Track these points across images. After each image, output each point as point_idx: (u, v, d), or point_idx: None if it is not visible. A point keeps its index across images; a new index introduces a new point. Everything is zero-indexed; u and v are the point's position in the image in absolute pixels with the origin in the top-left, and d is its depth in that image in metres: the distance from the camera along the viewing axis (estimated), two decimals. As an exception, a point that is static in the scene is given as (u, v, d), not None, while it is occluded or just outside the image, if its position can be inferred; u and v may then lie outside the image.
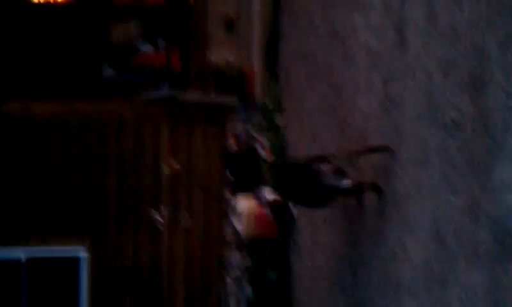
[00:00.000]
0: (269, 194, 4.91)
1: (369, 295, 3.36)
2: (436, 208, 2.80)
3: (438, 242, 2.76)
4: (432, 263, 2.79)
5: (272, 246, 5.28)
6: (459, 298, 2.56)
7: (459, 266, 2.59)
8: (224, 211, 6.03)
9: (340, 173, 3.31)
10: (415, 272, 2.91)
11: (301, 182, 3.37)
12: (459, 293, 2.57)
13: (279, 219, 5.01)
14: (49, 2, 6.83)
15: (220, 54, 6.38)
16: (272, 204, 4.86)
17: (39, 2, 6.78)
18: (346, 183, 3.28)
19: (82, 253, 6.03)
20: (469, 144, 2.57)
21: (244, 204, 5.26)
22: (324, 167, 3.33)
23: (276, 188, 4.62)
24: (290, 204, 4.79)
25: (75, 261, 6.13)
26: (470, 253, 2.53)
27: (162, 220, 5.96)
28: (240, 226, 5.24)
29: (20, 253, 5.98)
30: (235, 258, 5.76)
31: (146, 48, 7.70)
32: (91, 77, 6.91)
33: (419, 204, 2.93)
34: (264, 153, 5.20)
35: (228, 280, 5.81)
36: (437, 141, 2.79)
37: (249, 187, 5.56)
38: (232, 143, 5.94)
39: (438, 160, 2.78)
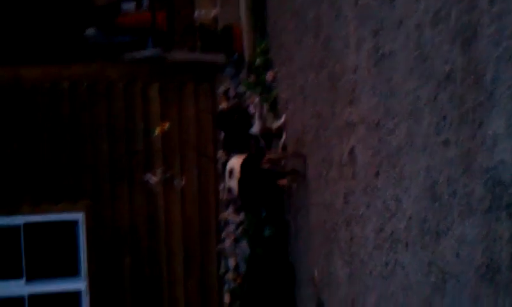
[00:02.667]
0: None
1: (365, 250, 3.40)
2: (428, 161, 2.80)
3: (431, 195, 2.78)
4: (426, 216, 2.81)
5: (268, 206, 5.31)
6: (453, 248, 2.60)
7: (453, 217, 2.61)
8: (218, 170, 6.04)
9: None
10: (410, 225, 2.94)
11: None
12: (453, 244, 2.60)
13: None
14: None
15: (206, 11, 6.25)
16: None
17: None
18: None
19: (80, 215, 6.06)
20: (460, 96, 2.55)
21: (237, 162, 5.26)
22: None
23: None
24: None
25: (73, 224, 6.17)
26: (462, 204, 2.55)
27: (156, 182, 5.97)
28: (234, 184, 5.25)
29: (17, 219, 6.01)
30: (231, 217, 5.80)
31: (130, 7, 7.53)
32: (76, 39, 6.77)
33: (412, 157, 2.93)
34: (254, 110, 5.17)
35: (226, 239, 5.87)
36: (428, 94, 2.77)
37: (241, 144, 5.55)
38: (221, 101, 5.89)
39: (430, 113, 2.77)
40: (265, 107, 5.14)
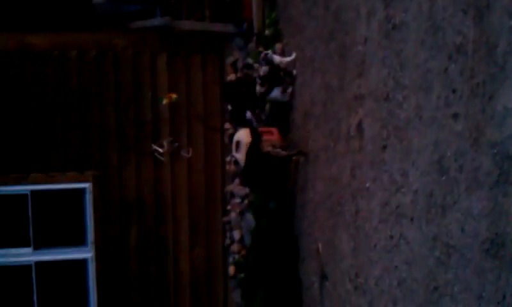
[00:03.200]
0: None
1: (370, 223, 3.39)
2: (437, 134, 2.77)
3: (439, 168, 2.75)
4: (432, 190, 2.79)
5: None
6: (458, 222, 2.58)
7: (459, 191, 2.59)
8: (225, 142, 6.02)
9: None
10: (416, 198, 2.92)
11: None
12: (459, 217, 2.58)
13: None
14: None
15: (215, -20, 6.16)
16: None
17: None
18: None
19: (87, 185, 6.08)
20: (471, 69, 2.50)
21: (244, 134, 5.23)
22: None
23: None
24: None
25: (80, 192, 6.20)
26: (470, 178, 2.52)
27: (163, 152, 5.97)
28: (240, 156, 5.24)
29: (24, 187, 6.04)
30: (237, 188, 5.80)
31: (138, -24, 7.42)
32: (84, 7, 6.71)
33: (420, 130, 2.90)
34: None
35: (231, 211, 5.88)
36: (439, 66, 2.72)
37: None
38: (230, 72, 5.84)
39: (440, 86, 2.72)
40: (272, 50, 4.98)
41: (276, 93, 4.94)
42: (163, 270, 6.15)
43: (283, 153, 4.80)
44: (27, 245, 6.13)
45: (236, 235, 5.56)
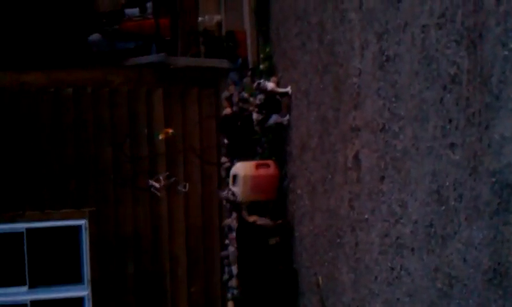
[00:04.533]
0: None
1: (370, 255, 3.36)
2: (434, 164, 2.77)
3: (438, 198, 2.75)
4: (432, 220, 2.78)
5: (270, 209, 5.28)
6: (460, 252, 2.56)
7: (459, 221, 2.58)
8: (222, 175, 6.01)
9: None
10: (415, 229, 2.91)
11: None
12: (460, 247, 2.57)
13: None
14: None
15: (210, 17, 6.24)
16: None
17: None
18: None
19: (83, 222, 6.04)
20: (467, 98, 2.52)
21: (241, 167, 5.23)
22: None
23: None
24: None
25: (76, 229, 6.15)
26: (469, 208, 2.52)
27: (160, 188, 5.95)
28: (237, 189, 5.22)
29: (20, 225, 5.99)
30: (234, 223, 5.76)
31: (134, 12, 7.53)
32: (79, 45, 6.78)
33: (418, 161, 2.90)
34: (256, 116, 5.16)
35: (229, 245, 5.82)
36: (434, 96, 2.74)
37: (245, 150, 5.52)
38: (225, 107, 5.87)
39: (436, 116, 2.74)
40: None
41: (274, 118, 5.01)
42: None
43: (269, 222, 4.89)
44: (23, 284, 6.04)
45: (234, 269, 5.49)
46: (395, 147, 3.10)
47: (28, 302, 6.06)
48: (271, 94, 4.96)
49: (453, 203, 2.64)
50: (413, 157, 2.93)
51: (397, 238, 3.05)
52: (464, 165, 2.56)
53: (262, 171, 5.00)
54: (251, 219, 5.11)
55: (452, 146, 2.64)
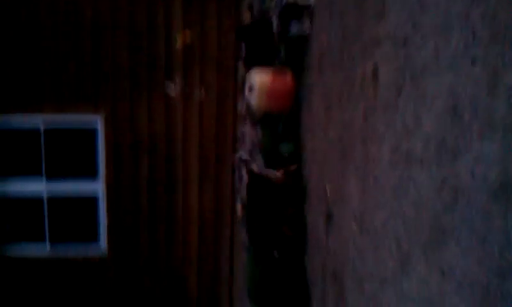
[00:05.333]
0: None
1: (380, 168, 3.42)
2: (453, 79, 2.75)
3: (453, 114, 2.75)
4: (445, 135, 2.80)
5: (285, 121, 5.32)
6: (469, 167, 2.60)
7: (472, 136, 2.59)
8: (238, 85, 6.02)
9: None
10: (427, 143, 2.93)
11: None
12: (470, 162, 2.60)
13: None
14: None
15: None
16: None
17: None
18: None
19: (98, 124, 6.15)
20: (494, 13, 2.46)
21: (257, 77, 5.22)
22: None
23: None
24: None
25: (92, 132, 6.28)
26: (483, 124, 2.53)
27: (175, 92, 5.99)
28: (252, 99, 5.24)
29: (38, 122, 6.11)
30: (248, 132, 5.83)
31: None
32: None
33: (437, 75, 2.88)
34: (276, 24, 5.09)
35: (241, 154, 5.92)
36: (460, 8, 2.68)
37: (263, 59, 5.49)
38: (245, 15, 5.78)
39: (460, 29, 2.69)
40: None
41: (294, 27, 4.92)
42: (172, 207, 6.27)
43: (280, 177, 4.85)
44: (40, 177, 6.25)
45: (245, 176, 5.60)
46: (415, 61, 3.08)
47: (44, 194, 6.29)
48: (292, 3, 4.87)
49: (467, 118, 2.64)
50: (433, 71, 2.91)
51: (408, 151, 3.09)
52: (484, 81, 2.54)
53: (278, 80, 4.99)
54: (264, 172, 5.14)
55: (474, 61, 2.61)
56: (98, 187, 6.27)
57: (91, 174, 6.38)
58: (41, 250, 6.26)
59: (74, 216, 6.57)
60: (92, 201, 6.38)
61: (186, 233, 6.36)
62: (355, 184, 3.72)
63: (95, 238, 6.44)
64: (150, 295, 6.38)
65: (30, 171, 6.38)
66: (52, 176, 6.35)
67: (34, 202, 6.35)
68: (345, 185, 3.90)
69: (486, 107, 2.54)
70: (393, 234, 3.14)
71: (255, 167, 5.22)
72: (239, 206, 5.91)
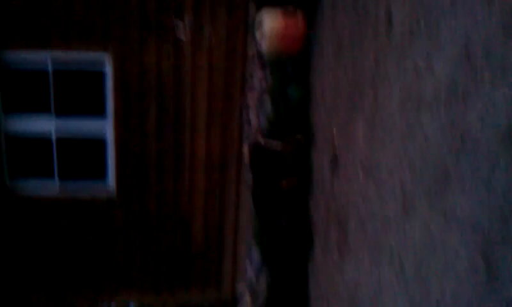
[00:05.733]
0: None
1: (389, 113, 3.39)
2: (468, 22, 2.68)
3: (466, 58, 2.70)
4: (456, 78, 2.75)
5: (294, 64, 5.26)
6: (479, 113, 2.57)
7: (484, 80, 2.55)
8: (248, 26, 5.92)
9: None
10: (438, 86, 2.89)
11: None
12: (480, 108, 2.57)
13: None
14: None
15: None
16: None
17: None
18: None
19: (107, 65, 6.10)
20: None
21: (268, 19, 5.13)
22: None
23: None
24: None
25: (100, 73, 6.24)
26: (496, 69, 2.48)
27: (185, 34, 5.90)
28: (263, 42, 5.17)
29: (46, 59, 6.07)
30: (257, 74, 5.78)
31: None
32: None
33: (451, 19, 2.81)
34: None
35: (249, 95, 5.89)
36: None
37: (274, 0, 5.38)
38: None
39: (477, -31, 2.60)
40: None
41: None
42: (180, 151, 6.29)
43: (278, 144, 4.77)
44: (49, 115, 6.26)
45: (253, 119, 5.60)
46: (430, 4, 3.00)
47: (53, 132, 6.30)
48: None
49: (480, 63, 2.59)
50: (447, 13, 2.84)
51: (418, 94, 3.05)
52: (500, 26, 2.48)
53: (289, 22, 4.91)
54: (267, 143, 5.09)
55: (491, 3, 2.54)
56: (106, 128, 6.28)
57: (100, 114, 6.37)
58: (50, 188, 6.34)
59: (83, 156, 6.62)
60: (100, 142, 6.41)
61: (193, 176, 6.40)
62: (362, 128, 3.70)
63: (103, 178, 6.50)
64: (156, 237, 6.50)
65: (39, 110, 6.39)
66: (60, 114, 6.36)
67: (43, 141, 6.39)
68: (352, 130, 3.88)
69: (500, 52, 2.49)
70: (398, 178, 3.15)
71: (259, 138, 5.23)
72: (246, 151, 5.92)
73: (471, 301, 2.40)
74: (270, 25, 5.06)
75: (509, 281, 2.15)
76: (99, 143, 6.42)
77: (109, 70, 6.09)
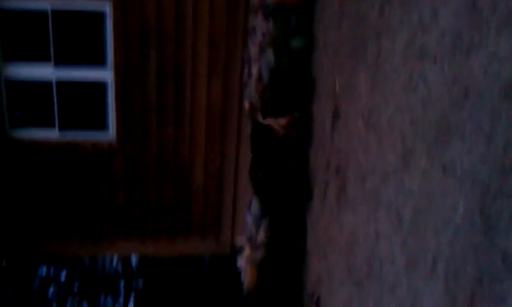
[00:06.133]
0: None
1: (391, 63, 3.35)
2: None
3: (472, 7, 2.64)
4: (461, 30, 2.70)
5: (298, 14, 5.16)
6: (482, 64, 2.53)
7: (489, 32, 2.50)
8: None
9: None
10: (442, 38, 2.85)
11: None
12: (484, 59, 2.53)
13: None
14: None
15: None
16: None
17: None
18: None
19: (107, 9, 5.99)
20: None
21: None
22: None
23: None
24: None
25: (100, 16, 6.13)
26: (502, 19, 2.43)
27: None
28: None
29: (45, 4, 5.97)
30: (260, 25, 5.68)
31: None
32: None
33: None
34: None
35: (251, 45, 5.81)
36: None
37: None
38: None
39: None
40: None
41: None
42: (180, 99, 6.25)
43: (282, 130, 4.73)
44: (48, 62, 6.19)
45: (254, 70, 5.54)
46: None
47: (53, 79, 6.26)
48: None
49: (486, 12, 2.54)
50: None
51: (422, 46, 3.00)
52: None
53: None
54: (266, 121, 5.03)
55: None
56: (106, 75, 6.23)
57: (100, 62, 6.31)
58: (51, 136, 6.33)
59: (83, 103, 6.58)
60: (101, 88, 6.36)
61: (194, 125, 6.38)
62: (365, 79, 3.67)
63: (103, 125, 6.48)
64: (156, 186, 6.54)
65: (38, 56, 6.32)
66: (60, 62, 6.29)
67: (43, 87, 6.34)
68: (354, 81, 3.85)
69: (506, 2, 2.44)
70: (399, 130, 3.14)
71: (259, 117, 5.20)
72: (246, 102, 5.89)
73: (467, 252, 2.43)
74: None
75: (506, 234, 2.17)
76: (100, 91, 6.37)
77: (109, 16, 5.99)
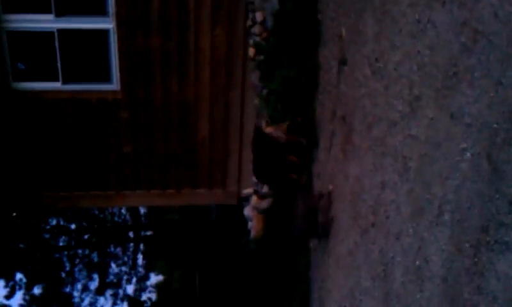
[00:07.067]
0: None
1: (399, 7, 3.26)
2: None
3: None
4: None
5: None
6: (493, 8, 2.45)
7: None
8: None
9: None
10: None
11: None
12: (494, 2, 2.45)
13: None
14: None
15: None
16: None
17: None
18: None
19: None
20: None
21: None
22: None
23: None
24: None
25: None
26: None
27: None
28: None
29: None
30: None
31: None
32: None
33: None
34: None
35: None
36: None
37: None
38: None
39: None
40: None
41: None
42: (184, 47, 6.14)
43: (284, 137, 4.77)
44: (49, 12, 6.09)
45: (258, 16, 5.42)
46: None
47: (55, 30, 6.17)
48: None
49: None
50: None
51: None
52: None
53: None
54: (268, 130, 4.97)
55: None
56: (108, 24, 6.11)
57: (102, 12, 6.18)
58: (55, 90, 6.28)
59: (86, 56, 6.49)
60: (103, 41, 6.26)
61: (198, 73, 6.29)
62: (372, 25, 3.58)
63: (107, 78, 6.41)
64: (162, 136, 6.51)
65: (40, 9, 6.20)
66: (62, 13, 6.17)
67: (46, 40, 6.25)
68: (361, 27, 3.76)
69: None
70: (406, 77, 3.08)
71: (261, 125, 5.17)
72: (251, 49, 5.79)
73: (473, 200, 2.41)
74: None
75: (512, 181, 2.15)
76: (102, 42, 6.29)
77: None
